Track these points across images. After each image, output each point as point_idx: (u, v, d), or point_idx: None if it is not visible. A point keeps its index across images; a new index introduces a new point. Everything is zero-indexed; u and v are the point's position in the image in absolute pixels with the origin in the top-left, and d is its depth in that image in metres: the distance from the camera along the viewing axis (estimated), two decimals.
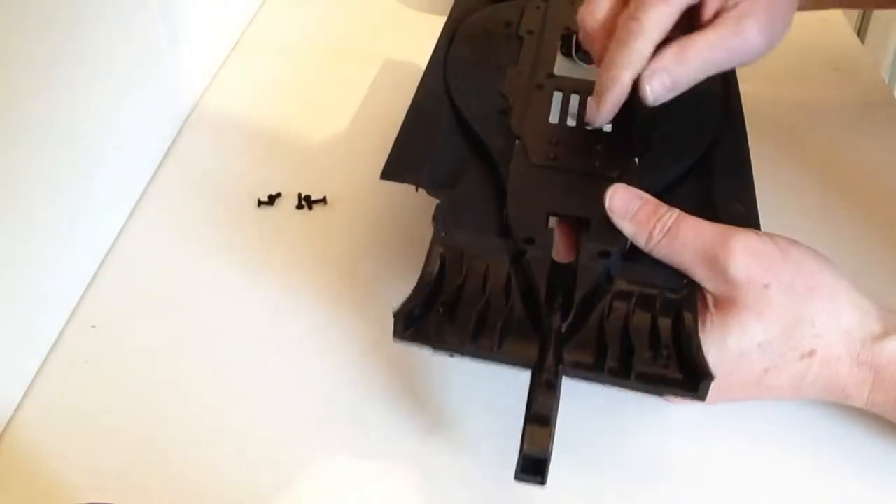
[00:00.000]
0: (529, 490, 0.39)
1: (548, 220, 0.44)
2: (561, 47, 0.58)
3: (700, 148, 0.50)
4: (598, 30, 0.48)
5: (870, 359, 0.41)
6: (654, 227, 0.42)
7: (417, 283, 0.42)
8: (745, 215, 0.46)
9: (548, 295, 0.41)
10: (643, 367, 0.40)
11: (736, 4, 0.46)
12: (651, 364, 0.40)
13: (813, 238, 0.44)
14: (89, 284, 0.53)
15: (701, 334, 0.41)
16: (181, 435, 0.45)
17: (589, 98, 0.50)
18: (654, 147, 0.49)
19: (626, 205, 0.43)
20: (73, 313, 0.51)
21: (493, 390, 0.46)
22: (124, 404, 0.46)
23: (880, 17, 1.17)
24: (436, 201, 0.46)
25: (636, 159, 0.48)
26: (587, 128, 0.50)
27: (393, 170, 0.48)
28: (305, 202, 0.59)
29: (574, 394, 0.42)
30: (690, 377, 0.40)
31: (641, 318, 0.41)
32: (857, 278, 0.43)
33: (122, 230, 0.56)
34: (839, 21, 0.82)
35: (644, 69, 0.46)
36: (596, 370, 0.40)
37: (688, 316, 0.41)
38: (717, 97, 0.54)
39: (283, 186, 0.60)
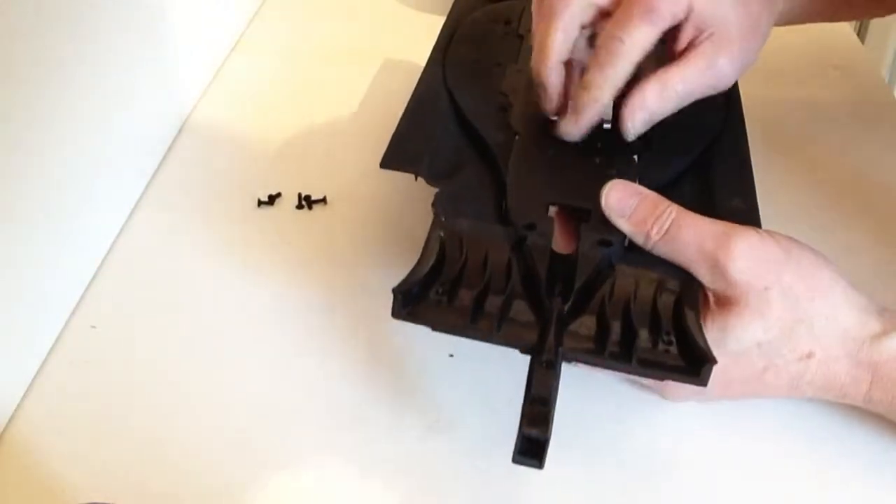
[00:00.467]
0: (529, 489, 0.39)
1: (547, 210, 0.44)
2: None
3: (700, 145, 0.50)
4: (556, 80, 0.48)
5: (868, 358, 0.41)
6: (652, 228, 0.42)
7: (417, 262, 0.42)
8: (745, 212, 0.46)
9: (548, 282, 0.41)
10: (645, 352, 0.40)
11: (710, 35, 0.47)
12: (653, 349, 0.40)
13: (812, 237, 0.44)
14: (89, 284, 0.53)
15: None
16: (181, 435, 0.45)
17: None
18: (653, 145, 0.49)
19: (623, 202, 0.43)
20: (73, 313, 0.51)
21: (495, 390, 0.47)
22: (124, 404, 0.46)
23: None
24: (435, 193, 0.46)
25: (636, 157, 0.48)
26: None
27: (393, 159, 0.48)
28: (305, 202, 0.59)
29: (574, 393, 0.42)
30: (692, 362, 0.39)
31: (643, 305, 0.41)
32: (855, 277, 0.43)
33: (122, 230, 0.56)
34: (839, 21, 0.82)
35: (626, 101, 0.46)
36: (596, 354, 0.40)
37: (689, 302, 0.41)
38: (717, 95, 0.54)
39: (283, 186, 0.60)
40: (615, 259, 0.42)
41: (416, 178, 0.47)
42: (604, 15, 0.48)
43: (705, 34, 0.47)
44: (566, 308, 0.41)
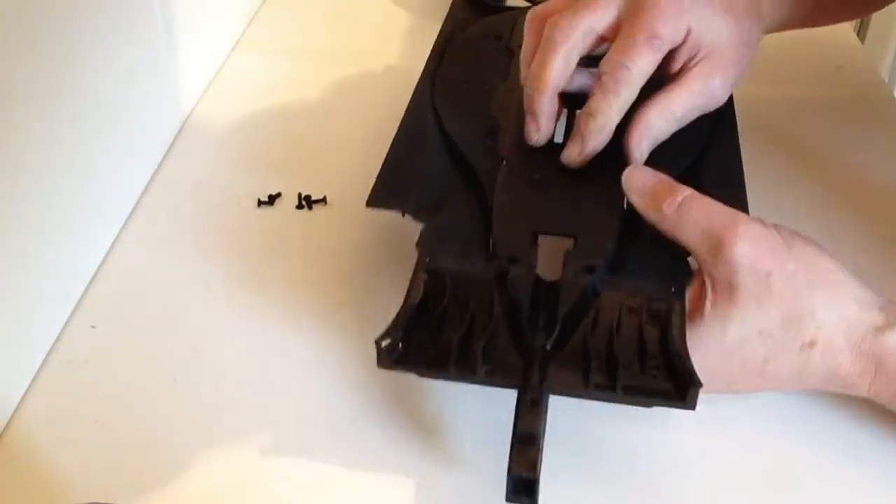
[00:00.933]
0: None
1: (535, 240, 0.44)
2: None
3: (687, 159, 0.49)
4: (550, 109, 0.48)
5: (871, 350, 0.41)
6: (665, 202, 0.43)
7: (400, 311, 0.42)
8: None
9: (532, 314, 0.41)
10: (629, 379, 0.40)
11: (705, 56, 0.48)
12: (638, 375, 0.40)
13: (812, 237, 0.44)
14: (89, 284, 0.53)
15: (700, 324, 0.41)
16: (181, 435, 0.45)
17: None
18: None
19: (642, 179, 0.45)
20: (73, 313, 0.51)
21: (492, 400, 0.46)
22: (124, 404, 0.46)
23: (880, 17, 1.17)
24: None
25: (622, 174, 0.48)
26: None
27: (379, 197, 0.48)
28: (305, 202, 0.59)
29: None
30: (678, 387, 0.39)
31: (628, 330, 0.41)
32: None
33: (122, 229, 0.56)
34: None
35: (631, 127, 0.47)
36: (581, 386, 0.40)
37: (675, 324, 0.41)
38: None
39: (283, 186, 0.60)
40: (599, 286, 0.42)
41: (402, 216, 0.47)
42: (600, 41, 0.48)
43: (700, 55, 0.48)
44: (550, 341, 0.41)
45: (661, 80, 0.48)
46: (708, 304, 0.41)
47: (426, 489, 0.43)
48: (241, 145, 0.64)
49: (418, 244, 0.44)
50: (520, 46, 0.58)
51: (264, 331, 0.50)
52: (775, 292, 0.41)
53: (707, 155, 0.50)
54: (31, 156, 0.46)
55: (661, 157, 0.48)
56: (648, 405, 0.41)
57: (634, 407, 0.41)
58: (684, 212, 0.43)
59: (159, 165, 0.62)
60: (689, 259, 0.44)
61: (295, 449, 0.44)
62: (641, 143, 0.47)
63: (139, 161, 0.60)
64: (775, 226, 0.43)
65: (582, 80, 0.50)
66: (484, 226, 0.45)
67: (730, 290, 0.41)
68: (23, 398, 0.46)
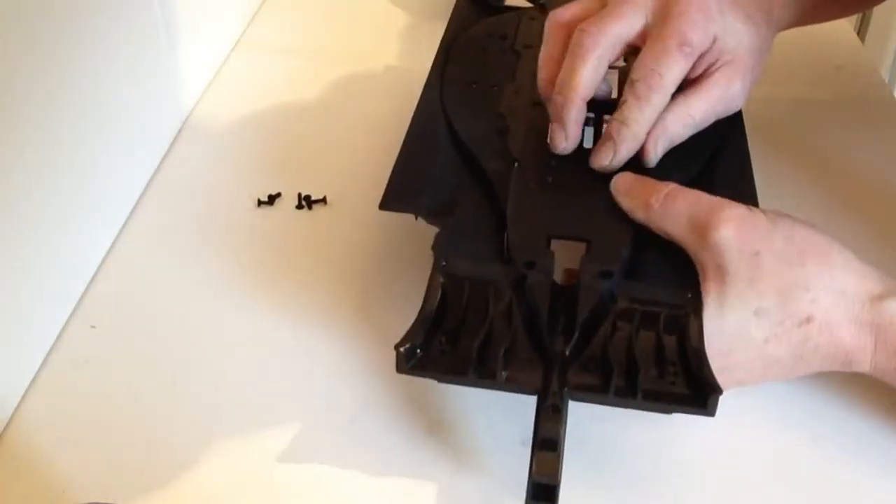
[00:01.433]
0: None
1: (549, 243, 0.44)
2: None
3: (699, 162, 0.50)
4: (578, 117, 0.48)
5: (870, 320, 0.41)
6: (652, 197, 0.44)
7: (418, 315, 0.42)
8: None
9: (550, 319, 0.41)
10: (649, 384, 0.40)
11: (727, 63, 0.48)
12: (657, 381, 0.40)
13: None
14: (89, 284, 0.53)
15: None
16: (181, 435, 0.45)
17: (588, 140, 0.50)
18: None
19: (628, 182, 0.46)
20: (73, 313, 0.51)
21: (495, 396, 0.46)
22: (124, 404, 0.46)
23: (880, 16, 1.17)
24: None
25: None
26: (585, 146, 0.50)
27: (391, 199, 0.47)
28: (305, 202, 0.59)
29: None
30: (698, 393, 0.39)
31: (646, 337, 0.41)
32: None
33: (122, 230, 0.56)
34: (839, 21, 0.82)
35: (650, 131, 0.48)
36: (601, 392, 0.40)
37: (693, 331, 0.41)
38: None
39: (283, 186, 0.60)
40: (616, 291, 0.42)
41: (416, 218, 0.47)
42: (628, 48, 0.49)
43: (721, 61, 0.48)
44: (570, 347, 0.41)
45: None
46: (702, 292, 0.42)
47: (429, 490, 0.43)
48: (241, 145, 0.65)
49: (434, 247, 0.44)
50: (525, 47, 0.58)
51: (264, 331, 0.50)
52: (766, 270, 0.41)
53: (718, 158, 0.50)
54: (31, 156, 0.46)
55: (673, 162, 0.48)
56: (668, 411, 0.41)
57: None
58: (670, 204, 0.43)
59: (159, 165, 0.62)
60: None
61: (295, 449, 0.44)
62: (657, 146, 0.48)
63: (139, 161, 0.60)
64: (762, 209, 0.43)
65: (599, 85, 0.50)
66: (497, 227, 0.45)
67: (721, 274, 0.41)
68: (23, 398, 0.46)
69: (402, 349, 0.40)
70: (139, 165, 0.60)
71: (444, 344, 0.42)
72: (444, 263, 0.43)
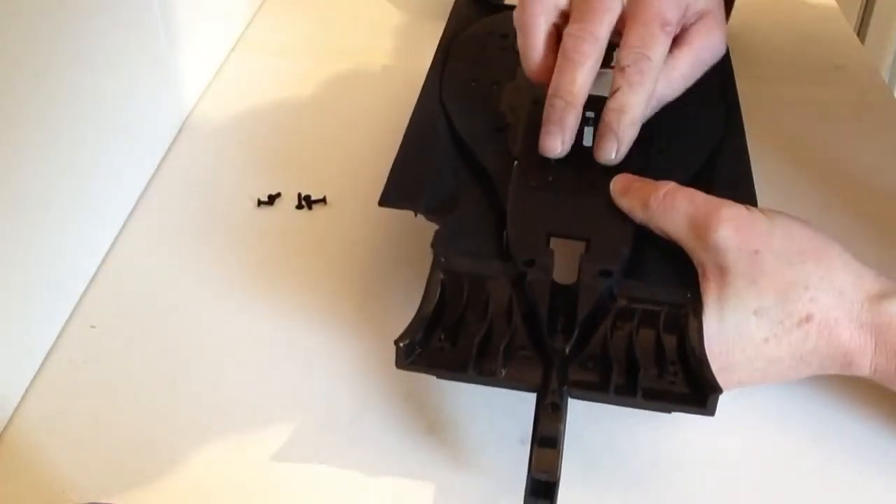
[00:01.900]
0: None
1: (548, 242, 0.44)
2: None
3: (699, 160, 0.50)
4: (575, 122, 0.48)
5: (870, 320, 0.41)
6: (651, 197, 0.44)
7: (418, 311, 0.42)
8: None
9: (550, 317, 0.41)
10: (649, 383, 0.40)
11: (700, 17, 0.50)
12: (657, 380, 0.40)
13: None
14: (89, 284, 0.53)
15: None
16: (181, 435, 0.45)
17: (587, 132, 0.50)
18: (652, 162, 0.49)
19: (626, 183, 0.46)
20: (72, 313, 0.51)
21: (494, 396, 0.46)
22: (124, 404, 0.46)
23: (880, 16, 1.18)
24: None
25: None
26: (584, 144, 0.50)
27: (391, 195, 0.47)
28: (305, 202, 0.59)
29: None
30: (698, 392, 0.39)
31: (645, 336, 0.41)
32: None
33: (121, 230, 0.56)
34: (839, 20, 0.82)
35: None
36: (601, 390, 0.40)
37: (692, 330, 0.41)
38: (715, 107, 0.54)
39: (283, 186, 0.60)
40: (616, 290, 0.42)
41: (415, 215, 0.47)
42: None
43: (696, 19, 0.50)
44: (569, 345, 0.41)
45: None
46: (702, 292, 0.42)
47: (429, 490, 0.43)
48: (241, 145, 0.65)
49: (433, 245, 0.44)
50: None
51: (264, 331, 0.50)
52: (766, 269, 0.41)
53: (717, 158, 0.50)
54: (31, 156, 0.46)
55: (672, 162, 0.48)
56: (668, 410, 0.41)
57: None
58: (668, 203, 0.43)
59: (159, 165, 0.62)
60: None
61: (295, 449, 0.44)
62: (647, 109, 0.48)
63: (139, 161, 0.60)
64: (761, 209, 0.43)
65: None
66: (496, 225, 0.46)
67: (721, 273, 0.41)
68: (23, 398, 0.46)
69: (401, 344, 0.40)
70: (139, 165, 0.60)
71: (443, 340, 0.42)
72: (443, 260, 0.43)
